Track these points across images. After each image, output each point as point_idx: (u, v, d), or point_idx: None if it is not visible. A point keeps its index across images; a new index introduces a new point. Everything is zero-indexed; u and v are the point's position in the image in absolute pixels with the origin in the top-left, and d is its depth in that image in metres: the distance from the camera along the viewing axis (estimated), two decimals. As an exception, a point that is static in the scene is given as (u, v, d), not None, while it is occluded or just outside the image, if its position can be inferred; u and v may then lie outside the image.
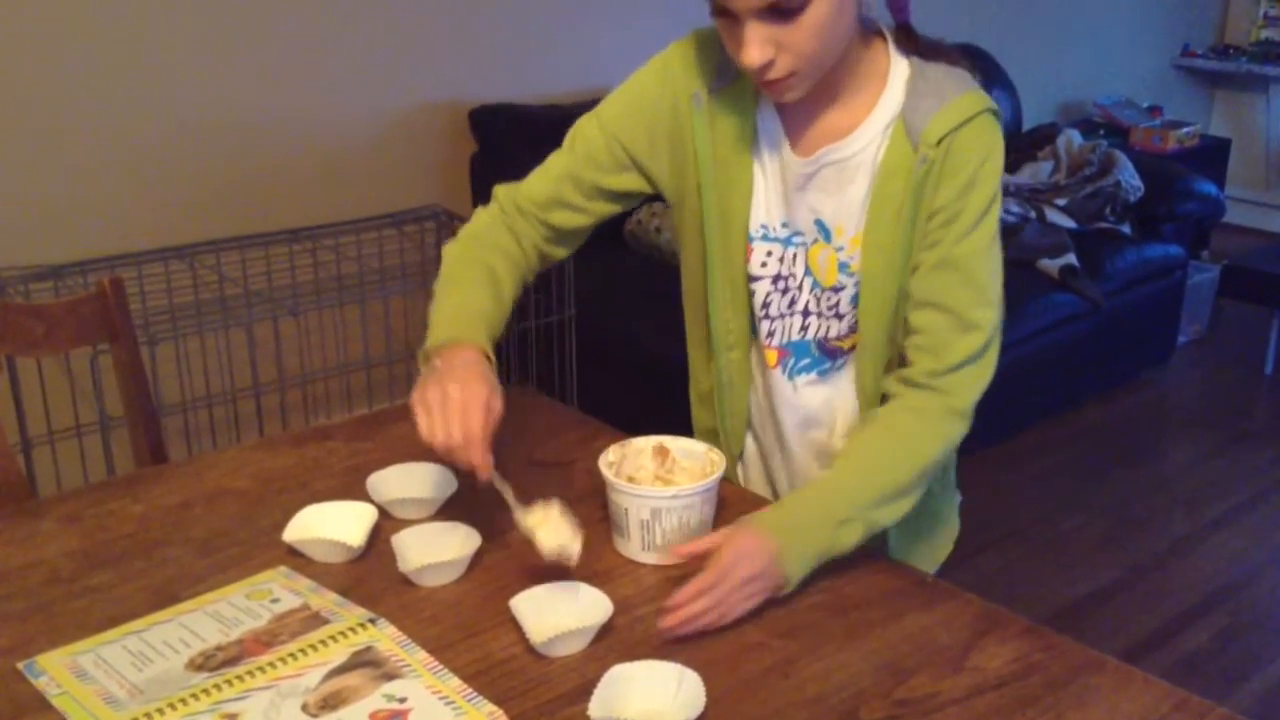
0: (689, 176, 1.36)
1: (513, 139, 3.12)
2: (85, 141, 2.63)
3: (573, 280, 2.88)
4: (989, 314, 1.27)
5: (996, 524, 3.14)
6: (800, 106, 1.28)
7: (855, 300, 1.32)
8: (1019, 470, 3.44)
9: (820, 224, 1.32)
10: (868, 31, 1.27)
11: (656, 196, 1.42)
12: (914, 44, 1.29)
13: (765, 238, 1.35)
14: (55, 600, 1.20)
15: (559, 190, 1.39)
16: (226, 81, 2.80)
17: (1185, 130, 4.83)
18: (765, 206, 1.34)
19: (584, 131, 1.39)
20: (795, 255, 1.34)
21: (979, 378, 1.29)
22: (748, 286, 1.37)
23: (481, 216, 1.43)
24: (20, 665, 1.09)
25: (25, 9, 2.50)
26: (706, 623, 1.14)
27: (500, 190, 1.43)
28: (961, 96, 1.24)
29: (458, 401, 1.18)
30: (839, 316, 1.35)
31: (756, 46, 1.16)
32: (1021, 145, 4.16)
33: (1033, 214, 3.69)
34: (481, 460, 1.18)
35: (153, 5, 2.65)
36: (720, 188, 1.34)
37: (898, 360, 1.34)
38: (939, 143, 1.23)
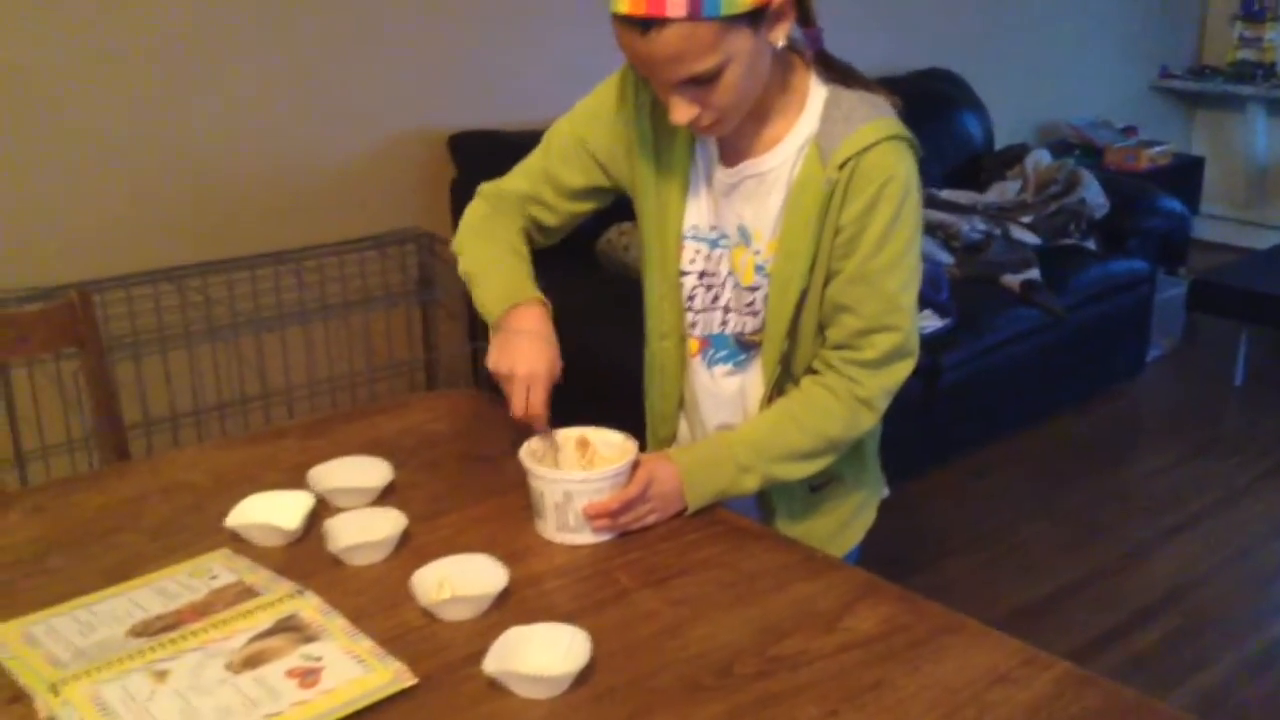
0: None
1: (491, 163, 3.14)
2: (73, 167, 2.74)
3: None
4: (900, 319, 1.40)
5: (959, 531, 3.23)
6: None
7: (768, 299, 1.44)
8: (984, 479, 3.53)
9: (742, 229, 1.45)
10: (790, 57, 1.39)
11: (622, 200, 1.56)
12: (832, 71, 1.41)
13: (695, 237, 1.48)
14: (16, 579, 1.31)
15: (535, 188, 1.56)
16: (213, 109, 2.92)
17: (1158, 149, 4.92)
18: (698, 209, 1.48)
19: (558, 131, 1.55)
20: (721, 256, 1.48)
21: (890, 376, 1.43)
22: (679, 280, 1.50)
23: (477, 209, 1.60)
24: (-23, 634, 1.20)
25: (9, 36, 2.61)
26: (620, 526, 1.37)
27: (485, 187, 1.60)
28: (869, 124, 1.35)
29: (523, 377, 1.41)
30: (754, 314, 1.47)
31: (681, 109, 1.30)
32: (992, 165, 4.27)
33: (998, 231, 3.79)
34: (540, 426, 1.43)
35: (136, 32, 2.76)
36: (660, 188, 1.48)
37: (790, 356, 1.46)
38: (843, 165, 1.35)
